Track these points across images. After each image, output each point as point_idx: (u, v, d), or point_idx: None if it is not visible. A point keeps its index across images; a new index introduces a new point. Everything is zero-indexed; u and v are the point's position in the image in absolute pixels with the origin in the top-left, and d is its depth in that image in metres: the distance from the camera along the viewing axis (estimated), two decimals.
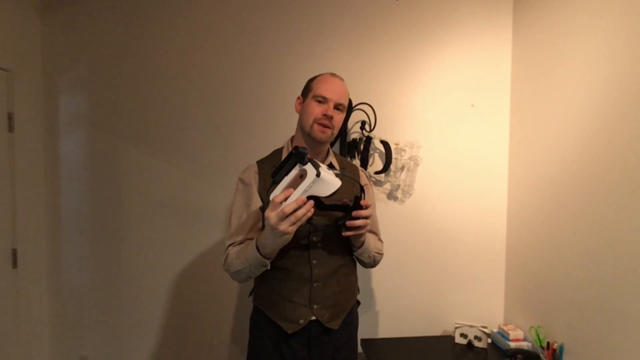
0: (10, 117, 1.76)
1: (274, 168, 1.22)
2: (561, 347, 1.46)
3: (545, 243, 1.59)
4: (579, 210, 1.40)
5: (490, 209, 1.87)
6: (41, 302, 1.93)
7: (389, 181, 1.83)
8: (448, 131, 1.85)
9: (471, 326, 1.73)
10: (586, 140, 1.37)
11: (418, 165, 1.82)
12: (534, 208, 1.67)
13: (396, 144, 1.80)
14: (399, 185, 1.83)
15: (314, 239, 1.17)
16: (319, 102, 1.18)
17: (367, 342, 1.75)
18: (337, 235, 1.11)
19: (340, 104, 1.19)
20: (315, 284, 1.17)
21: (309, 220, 0.98)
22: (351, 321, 1.30)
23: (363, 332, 1.71)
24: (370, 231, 1.32)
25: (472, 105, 1.84)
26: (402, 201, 1.85)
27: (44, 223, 1.93)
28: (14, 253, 1.78)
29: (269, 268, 1.09)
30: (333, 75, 1.23)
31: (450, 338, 1.79)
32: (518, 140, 1.80)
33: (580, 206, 1.39)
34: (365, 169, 1.76)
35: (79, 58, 1.89)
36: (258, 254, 1.04)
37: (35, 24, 1.88)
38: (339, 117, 1.20)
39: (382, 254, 1.33)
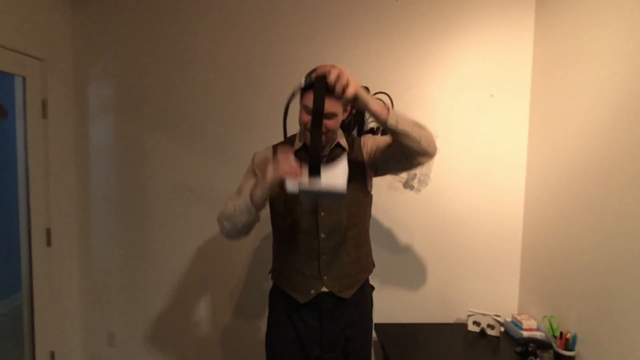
0: (44, 104, 1.85)
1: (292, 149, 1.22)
2: (574, 337, 1.46)
3: (560, 234, 1.59)
4: (595, 202, 1.39)
5: (507, 199, 1.87)
6: (72, 279, 2.05)
7: None
8: (466, 121, 1.85)
9: (484, 314, 1.75)
10: (605, 133, 1.35)
11: None
12: (551, 199, 1.66)
13: None
14: (415, 174, 1.84)
15: (322, 214, 1.22)
16: (307, 111, 1.11)
17: (381, 327, 1.80)
18: (345, 209, 1.20)
19: (328, 113, 1.09)
20: (323, 257, 1.22)
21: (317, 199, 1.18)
22: (364, 299, 1.34)
23: (377, 317, 1.74)
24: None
25: (492, 95, 1.83)
26: (419, 190, 1.86)
27: (75, 204, 2.05)
28: (48, 232, 1.90)
29: (253, 219, 1.16)
30: None
31: (463, 326, 1.81)
32: (537, 132, 1.79)
33: (596, 198, 1.39)
34: None
35: (107, 47, 1.97)
36: (248, 198, 1.13)
37: (66, 15, 1.97)
38: (331, 123, 1.14)
39: (426, 130, 1.13)
